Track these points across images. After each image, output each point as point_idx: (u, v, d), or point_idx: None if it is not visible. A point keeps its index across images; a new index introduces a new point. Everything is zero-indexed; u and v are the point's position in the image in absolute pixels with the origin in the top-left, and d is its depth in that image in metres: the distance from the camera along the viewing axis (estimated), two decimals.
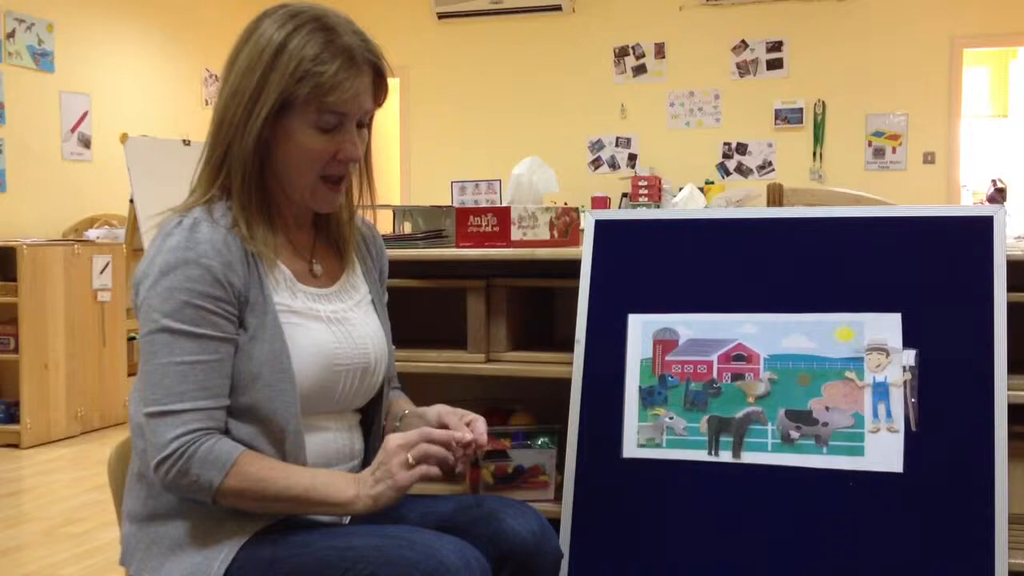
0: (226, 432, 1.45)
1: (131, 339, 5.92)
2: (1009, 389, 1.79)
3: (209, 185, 1.53)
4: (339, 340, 1.56)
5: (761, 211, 2.09)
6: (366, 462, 1.70)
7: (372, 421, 1.70)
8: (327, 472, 1.50)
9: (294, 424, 1.49)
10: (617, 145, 8.35)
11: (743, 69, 8.03)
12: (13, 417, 4.98)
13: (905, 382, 1.82)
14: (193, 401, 1.41)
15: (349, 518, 1.61)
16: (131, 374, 5.67)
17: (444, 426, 1.57)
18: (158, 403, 1.41)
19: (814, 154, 7.91)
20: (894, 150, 7.76)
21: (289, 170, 1.52)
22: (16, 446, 4.92)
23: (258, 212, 1.52)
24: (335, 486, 1.45)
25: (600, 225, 2.09)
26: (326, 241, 1.66)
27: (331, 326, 1.56)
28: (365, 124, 1.56)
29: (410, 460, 1.42)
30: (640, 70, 8.26)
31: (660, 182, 7.88)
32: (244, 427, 1.46)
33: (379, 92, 1.55)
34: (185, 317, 1.41)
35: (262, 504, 1.44)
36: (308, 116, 1.48)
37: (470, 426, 1.55)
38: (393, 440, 1.45)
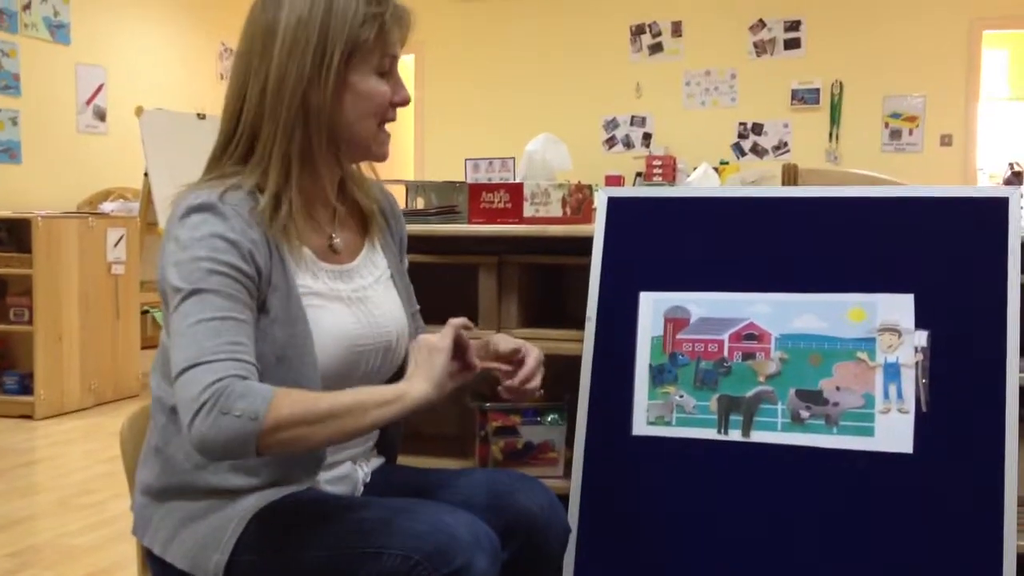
0: None
1: (144, 312, 5.95)
2: (1021, 371, 1.79)
3: (230, 160, 1.49)
4: (360, 321, 1.55)
5: (773, 190, 2.09)
6: (382, 441, 1.71)
7: None
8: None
9: None
10: (632, 124, 8.33)
11: (760, 48, 7.99)
12: (27, 389, 5.01)
13: (917, 363, 1.82)
14: (228, 352, 1.33)
15: (362, 490, 1.62)
16: (145, 347, 5.70)
17: (497, 352, 1.61)
18: (190, 359, 1.32)
19: (830, 135, 7.87)
20: (911, 132, 7.72)
21: (353, 124, 1.48)
22: (30, 417, 4.95)
23: (297, 186, 1.47)
24: (382, 388, 1.41)
25: (612, 202, 2.09)
26: (347, 211, 1.62)
27: (352, 307, 1.55)
28: None
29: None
30: (656, 48, 8.23)
31: (675, 162, 7.87)
32: None
33: None
34: (213, 282, 1.36)
35: (314, 427, 1.32)
36: (371, 62, 1.46)
37: (523, 361, 1.60)
38: (423, 339, 1.45)
